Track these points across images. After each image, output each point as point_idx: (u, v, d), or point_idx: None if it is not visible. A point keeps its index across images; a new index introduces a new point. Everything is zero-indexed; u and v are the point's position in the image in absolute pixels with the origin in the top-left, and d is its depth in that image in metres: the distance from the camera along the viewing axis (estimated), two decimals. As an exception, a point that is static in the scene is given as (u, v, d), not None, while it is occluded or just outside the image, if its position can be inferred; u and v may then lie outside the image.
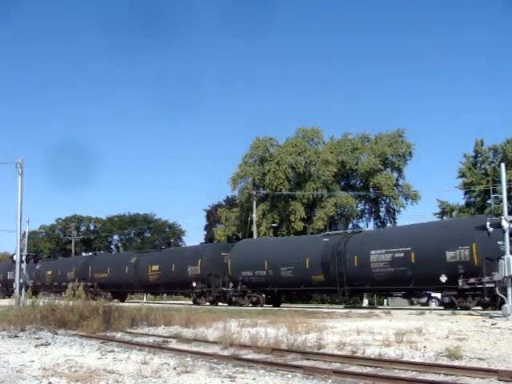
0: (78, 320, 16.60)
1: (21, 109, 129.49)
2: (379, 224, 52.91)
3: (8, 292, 47.54)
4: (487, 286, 20.45)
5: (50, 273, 47.39)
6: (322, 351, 11.38)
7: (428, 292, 25.13)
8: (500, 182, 20.16)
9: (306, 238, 34.31)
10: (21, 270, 27.29)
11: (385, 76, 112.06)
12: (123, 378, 8.50)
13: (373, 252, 24.45)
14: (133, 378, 8.56)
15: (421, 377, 8.55)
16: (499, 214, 19.97)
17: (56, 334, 15.67)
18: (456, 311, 20.68)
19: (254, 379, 8.57)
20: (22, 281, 26.94)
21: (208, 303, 32.25)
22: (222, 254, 33.18)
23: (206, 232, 66.33)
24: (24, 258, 27.91)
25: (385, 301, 42.18)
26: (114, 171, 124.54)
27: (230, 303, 30.81)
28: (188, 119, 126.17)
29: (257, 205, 47.26)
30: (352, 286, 25.80)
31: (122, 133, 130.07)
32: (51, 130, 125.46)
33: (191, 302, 34.15)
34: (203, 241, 63.88)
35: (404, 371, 9.03)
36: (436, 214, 48.69)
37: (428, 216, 76.37)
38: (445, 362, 9.79)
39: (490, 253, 20.77)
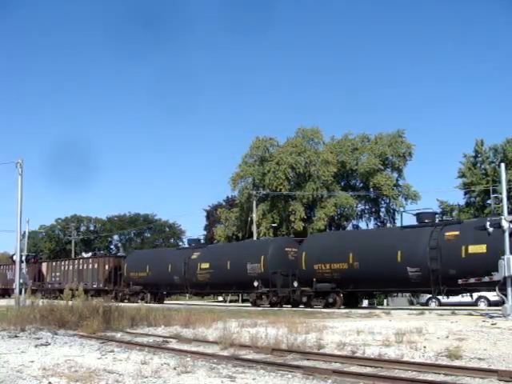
0: (78, 320, 16.59)
1: (21, 109, 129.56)
2: (379, 224, 52.88)
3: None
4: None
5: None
6: (321, 351, 11.37)
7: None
8: (500, 181, 20.15)
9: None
10: (21, 269, 27.28)
11: (385, 76, 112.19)
12: (123, 378, 8.49)
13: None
14: (133, 378, 8.55)
15: (421, 377, 8.54)
16: (499, 214, 19.97)
17: (56, 334, 15.65)
18: (455, 311, 20.67)
19: (253, 379, 8.56)
20: (22, 281, 26.93)
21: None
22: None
23: (205, 232, 66.28)
24: (24, 258, 27.87)
25: (384, 301, 42.19)
26: (114, 171, 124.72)
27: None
28: (188, 119, 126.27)
29: (257, 205, 47.23)
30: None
31: (122, 133, 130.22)
32: (51, 130, 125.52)
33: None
34: (203, 241, 63.88)
35: (404, 371, 9.02)
36: (436, 214, 48.56)
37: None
38: (445, 362, 9.79)
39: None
